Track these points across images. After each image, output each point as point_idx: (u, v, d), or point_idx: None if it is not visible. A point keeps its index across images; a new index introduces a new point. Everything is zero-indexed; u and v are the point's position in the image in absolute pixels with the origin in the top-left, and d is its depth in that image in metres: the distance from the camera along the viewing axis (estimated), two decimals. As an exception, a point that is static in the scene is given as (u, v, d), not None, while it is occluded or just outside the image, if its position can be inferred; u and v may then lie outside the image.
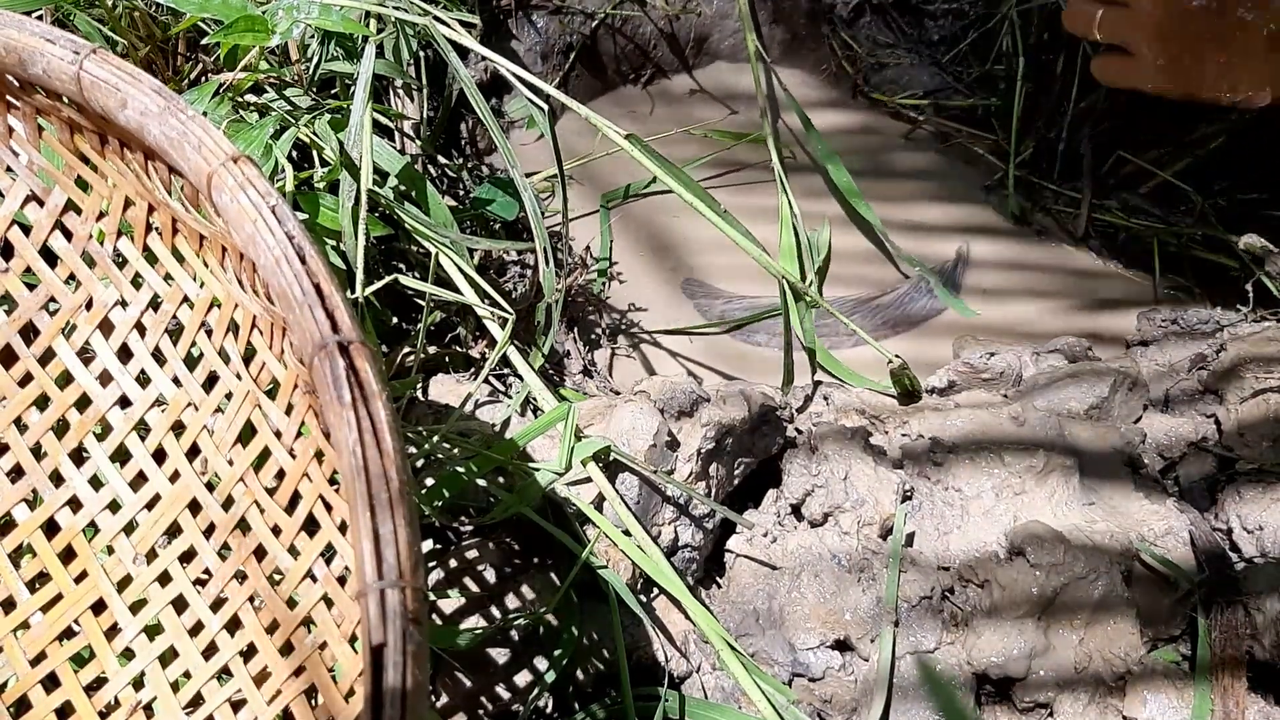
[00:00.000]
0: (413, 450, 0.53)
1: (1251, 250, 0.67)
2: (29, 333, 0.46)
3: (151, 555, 0.43)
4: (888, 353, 0.63)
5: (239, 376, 0.42)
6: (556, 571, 0.53)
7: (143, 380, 0.45)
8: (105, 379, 0.45)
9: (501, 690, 0.49)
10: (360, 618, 0.26)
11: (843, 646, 0.52)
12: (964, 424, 0.57)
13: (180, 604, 0.42)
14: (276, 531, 0.40)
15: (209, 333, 0.43)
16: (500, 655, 0.50)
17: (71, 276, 0.46)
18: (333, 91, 0.65)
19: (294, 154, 0.60)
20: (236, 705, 0.40)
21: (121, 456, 0.45)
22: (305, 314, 0.31)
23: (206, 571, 0.42)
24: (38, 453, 0.46)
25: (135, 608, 0.43)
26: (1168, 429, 0.60)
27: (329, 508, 0.38)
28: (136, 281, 0.45)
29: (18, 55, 0.38)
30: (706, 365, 0.73)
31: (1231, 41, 0.66)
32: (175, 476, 0.44)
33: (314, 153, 0.60)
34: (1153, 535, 0.54)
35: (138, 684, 0.42)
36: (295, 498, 0.39)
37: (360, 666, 0.26)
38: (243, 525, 0.41)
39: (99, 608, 0.43)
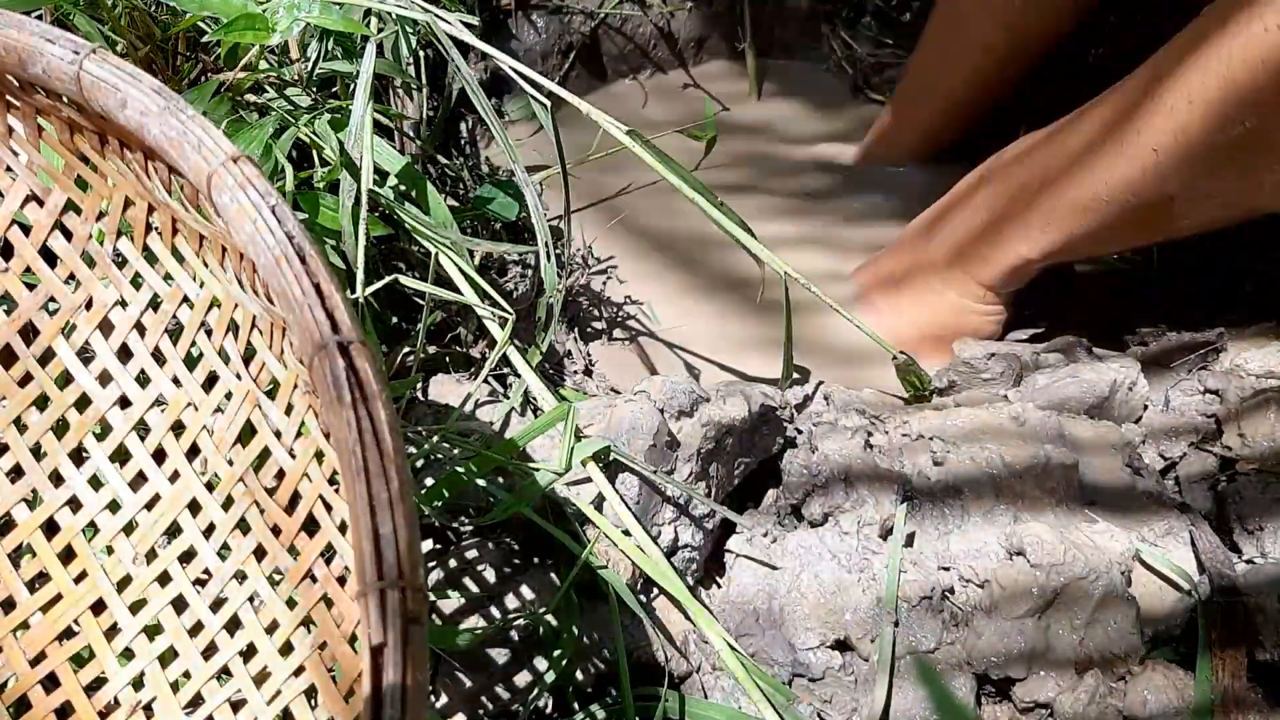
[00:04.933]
0: (413, 450, 0.53)
1: None
2: (29, 333, 0.46)
3: (151, 555, 0.43)
4: (892, 348, 0.63)
5: (239, 376, 0.42)
6: (556, 571, 0.53)
7: (143, 380, 0.45)
8: (105, 379, 0.45)
9: (501, 690, 0.49)
10: (360, 618, 0.26)
11: (843, 646, 0.52)
12: (964, 424, 0.57)
13: (180, 604, 0.42)
14: (276, 531, 0.40)
15: (209, 333, 0.43)
16: (500, 655, 0.50)
17: (71, 276, 0.46)
18: (333, 91, 0.65)
19: (294, 154, 0.59)
20: (236, 705, 0.40)
21: (121, 456, 0.45)
22: (305, 314, 0.31)
23: (206, 571, 0.42)
24: (38, 453, 0.46)
25: (135, 608, 0.43)
26: (1168, 429, 0.60)
27: (329, 508, 0.38)
28: (136, 281, 0.45)
29: (18, 55, 0.38)
30: (707, 364, 0.72)
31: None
32: (175, 476, 0.44)
33: (314, 152, 0.60)
34: (1153, 535, 0.54)
35: (138, 684, 0.42)
36: (295, 498, 0.39)
37: (360, 666, 0.26)
38: (243, 525, 0.41)
39: (99, 608, 0.43)
